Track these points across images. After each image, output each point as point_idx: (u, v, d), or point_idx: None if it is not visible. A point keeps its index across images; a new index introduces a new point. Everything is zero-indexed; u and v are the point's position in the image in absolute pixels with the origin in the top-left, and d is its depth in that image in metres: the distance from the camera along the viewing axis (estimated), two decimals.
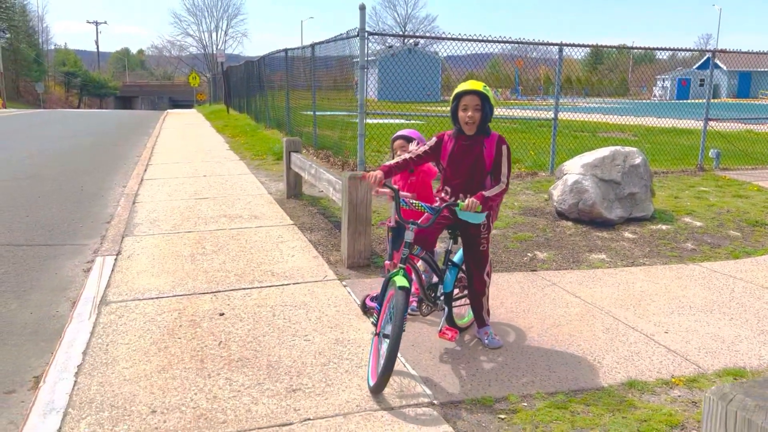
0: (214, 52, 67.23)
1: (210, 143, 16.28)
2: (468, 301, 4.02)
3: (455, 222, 3.70)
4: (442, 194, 3.73)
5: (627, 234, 6.82)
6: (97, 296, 4.74)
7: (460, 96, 3.57)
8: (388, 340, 3.17)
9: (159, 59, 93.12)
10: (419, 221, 3.47)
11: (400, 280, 3.23)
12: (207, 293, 4.79)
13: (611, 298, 4.82)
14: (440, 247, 4.06)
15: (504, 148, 3.62)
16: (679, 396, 3.32)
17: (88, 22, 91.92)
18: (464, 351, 3.83)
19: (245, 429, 2.94)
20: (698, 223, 7.35)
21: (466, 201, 3.38)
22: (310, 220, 7.32)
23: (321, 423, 2.99)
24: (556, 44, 10.15)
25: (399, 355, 3.72)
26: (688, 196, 9.00)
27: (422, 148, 3.75)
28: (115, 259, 5.66)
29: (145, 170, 11.08)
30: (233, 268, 5.42)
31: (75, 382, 3.41)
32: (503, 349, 3.86)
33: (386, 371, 3.12)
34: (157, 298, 4.69)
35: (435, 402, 3.19)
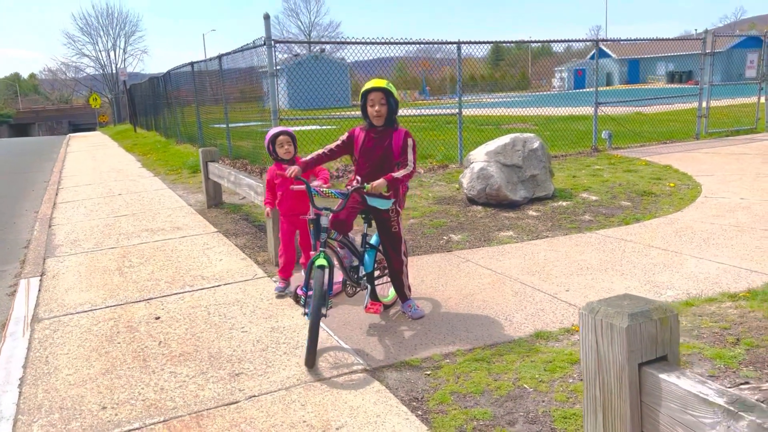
0: (114, 71, 64.96)
1: (121, 163, 15.97)
2: (389, 281, 4.39)
3: (366, 207, 4.05)
4: (354, 183, 4.05)
5: (531, 212, 7.41)
6: (27, 315, 4.78)
7: (366, 93, 3.94)
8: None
9: (54, 82, 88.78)
10: (333, 207, 3.81)
11: (319, 261, 3.59)
12: (140, 301, 4.93)
13: (519, 267, 5.32)
14: (357, 232, 4.41)
15: (410, 140, 3.98)
16: (578, 340, 3.80)
17: None
18: (391, 324, 4.18)
19: (195, 411, 3.17)
20: (594, 197, 8.06)
21: (372, 183, 3.77)
22: (233, 226, 7.49)
23: (266, 398, 3.26)
24: (455, 42, 10.74)
25: (332, 332, 4.04)
26: (585, 174, 9.78)
27: (335, 143, 4.12)
28: (40, 280, 5.67)
29: (57, 194, 10.83)
30: (163, 276, 5.55)
31: (20, 392, 3.52)
32: (426, 318, 4.24)
33: (311, 343, 3.46)
34: (90, 310, 4.79)
35: (367, 368, 3.52)
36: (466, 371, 3.40)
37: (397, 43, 10.12)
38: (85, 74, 75.06)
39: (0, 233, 8.17)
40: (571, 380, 3.26)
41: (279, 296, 4.86)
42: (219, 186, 8.67)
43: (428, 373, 3.43)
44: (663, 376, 1.92)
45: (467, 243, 6.21)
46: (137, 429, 3.04)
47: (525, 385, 3.20)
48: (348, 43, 10.21)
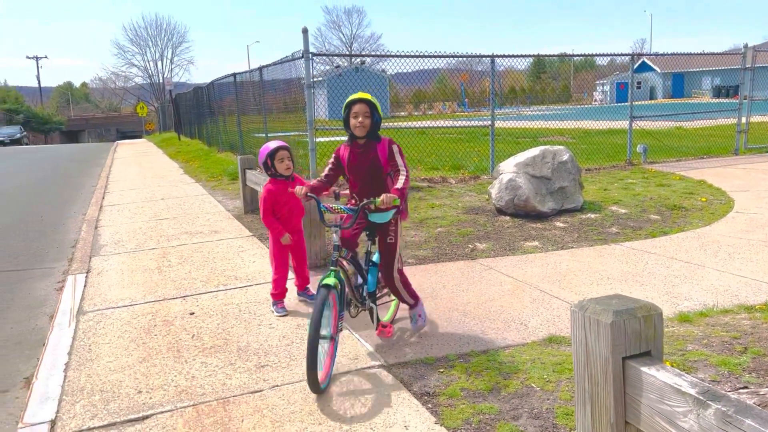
0: (161, 80, 66.94)
1: (164, 169, 16.56)
2: (389, 300, 4.34)
3: (368, 224, 3.96)
4: (352, 201, 4.00)
5: (558, 223, 7.51)
6: (73, 308, 5.12)
7: (350, 105, 3.83)
8: (324, 341, 3.41)
9: (104, 91, 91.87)
10: (342, 223, 3.73)
11: (326, 280, 3.47)
12: (176, 298, 5.23)
13: (540, 276, 5.45)
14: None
15: (395, 146, 3.87)
16: None
17: (28, 57, 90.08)
18: (410, 326, 4.37)
19: (222, 397, 3.41)
20: (623, 210, 8.10)
21: (382, 197, 3.59)
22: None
23: (288, 387, 3.48)
24: (488, 56, 10.91)
25: (353, 330, 4.25)
26: (617, 188, 9.80)
27: (326, 168, 4.01)
28: (86, 277, 6.03)
29: (103, 197, 11.36)
30: (199, 275, 5.86)
31: (65, 376, 3.82)
32: (443, 320, 4.42)
33: (310, 366, 3.22)
34: (130, 305, 5.11)
35: (384, 364, 3.72)
36: (478, 370, 3.57)
37: (430, 56, 10.35)
38: (133, 83, 77.56)
39: (51, 234, 8.64)
40: None
41: (284, 315, 4.70)
42: (256, 192, 9.00)
43: (441, 371, 3.60)
44: (644, 369, 2.07)
45: (492, 252, 6.35)
46: (169, 411, 3.29)
47: (533, 384, 3.35)
48: (382, 56, 10.50)
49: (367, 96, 3.83)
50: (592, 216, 7.84)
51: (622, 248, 6.34)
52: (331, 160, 4.00)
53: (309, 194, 3.79)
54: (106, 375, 3.79)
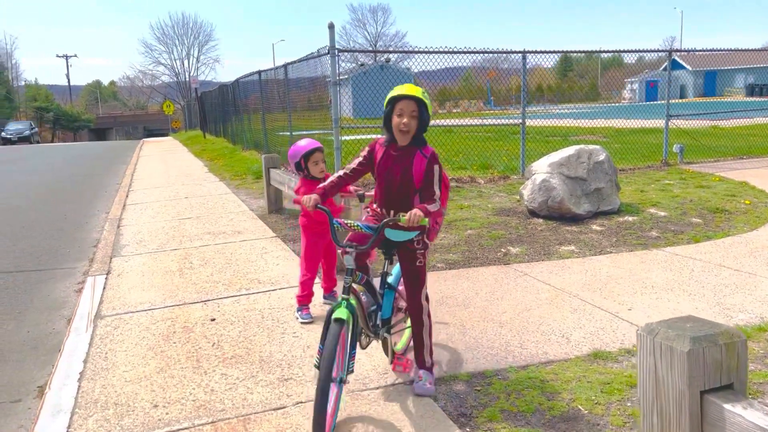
0: (187, 79, 67.41)
1: (189, 167, 16.48)
2: (403, 327, 3.72)
3: (385, 240, 3.33)
4: (374, 207, 3.42)
5: (595, 227, 7.17)
6: (91, 312, 4.94)
7: (395, 100, 3.17)
8: (332, 383, 2.85)
9: (131, 89, 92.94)
10: (358, 243, 3.17)
11: (338, 313, 2.89)
12: (197, 302, 5.02)
13: (579, 283, 5.14)
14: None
15: (436, 167, 3.22)
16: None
17: (58, 56, 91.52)
18: (442, 338, 4.10)
19: (243, 414, 3.18)
20: (662, 213, 7.73)
21: (408, 214, 2.97)
22: (292, 232, 7.58)
23: (312, 404, 3.23)
24: (520, 52, 10.57)
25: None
26: (654, 189, 9.40)
27: (356, 161, 3.36)
28: (106, 278, 5.87)
29: (127, 196, 11.26)
30: (221, 278, 5.65)
31: (79, 386, 3.63)
32: (478, 330, 4.14)
33: (317, 412, 2.76)
34: (149, 309, 4.91)
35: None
36: (518, 389, 3.29)
37: (459, 53, 10.05)
38: (160, 82, 78.29)
39: (73, 232, 8.54)
40: (629, 404, 3.09)
41: (309, 322, 4.41)
42: (280, 192, 8.80)
43: (478, 389, 3.33)
44: (728, 406, 1.78)
45: (526, 256, 6.05)
46: (186, 429, 3.07)
47: (579, 407, 3.06)
48: (408, 52, 10.24)
49: (417, 91, 3.16)
50: (630, 219, 7.48)
51: (665, 254, 5.99)
52: (364, 153, 3.36)
53: (319, 206, 3.14)
54: (122, 386, 3.59)
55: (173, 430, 3.06)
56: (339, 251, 3.32)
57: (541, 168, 7.84)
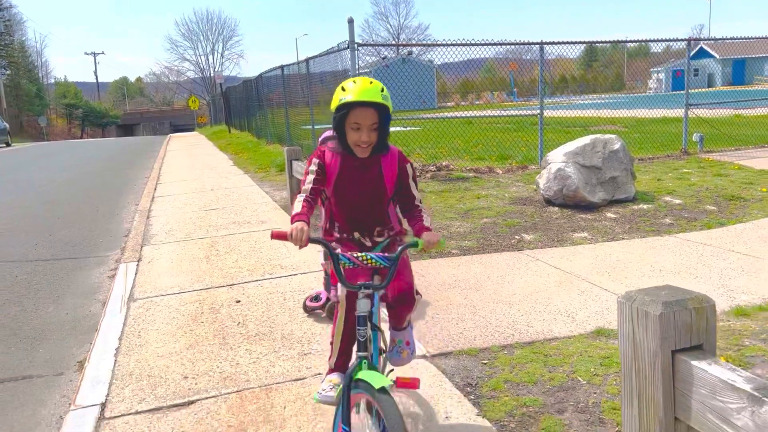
0: (212, 74, 68.28)
1: (214, 161, 16.88)
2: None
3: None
4: (335, 233, 2.82)
5: (609, 214, 7.31)
6: (125, 295, 5.26)
7: (348, 108, 2.52)
8: None
9: (158, 85, 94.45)
10: (364, 280, 2.54)
11: (376, 379, 2.25)
12: (223, 286, 5.31)
13: (588, 267, 5.31)
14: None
15: (409, 167, 2.77)
16: None
17: (86, 53, 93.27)
18: (452, 316, 4.32)
19: (265, 384, 3.45)
20: (677, 201, 7.83)
21: (425, 237, 2.56)
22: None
23: None
24: (537, 43, 10.68)
25: None
26: (671, 177, 9.48)
27: (310, 178, 2.69)
28: (137, 265, 6.19)
29: (155, 189, 11.65)
30: (245, 264, 5.94)
31: (115, 361, 3.93)
32: (488, 311, 4.35)
33: None
34: (179, 293, 5.22)
35: (426, 355, 3.69)
36: (522, 362, 3.50)
37: (475, 44, 10.20)
38: (185, 77, 79.40)
39: (105, 223, 8.91)
40: None
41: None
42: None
43: (485, 362, 3.55)
44: (695, 363, 1.98)
45: (539, 243, 6.23)
46: (213, 397, 3.35)
47: (579, 378, 3.27)
48: (426, 45, 10.46)
49: (377, 96, 2.49)
50: (645, 207, 7.60)
51: (676, 240, 6.13)
52: (313, 167, 2.70)
53: (313, 237, 2.46)
54: (154, 361, 3.88)
55: (202, 398, 3.34)
56: (338, 294, 2.68)
57: (557, 157, 7.98)
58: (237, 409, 3.20)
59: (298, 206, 2.59)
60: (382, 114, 2.55)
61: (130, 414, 3.23)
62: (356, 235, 2.78)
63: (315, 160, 2.72)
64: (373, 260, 2.49)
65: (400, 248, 2.51)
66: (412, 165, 2.81)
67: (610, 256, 5.64)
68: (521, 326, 4.07)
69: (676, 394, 2.05)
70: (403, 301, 2.78)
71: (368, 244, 2.77)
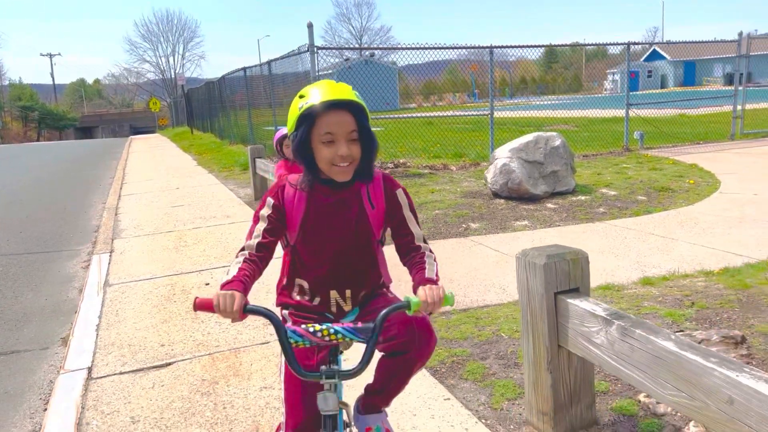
0: (173, 76, 67.77)
1: (178, 161, 17.16)
2: None
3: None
4: (296, 295, 2.13)
5: (549, 205, 7.98)
6: (100, 282, 5.68)
7: (314, 114, 1.89)
8: None
9: (117, 87, 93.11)
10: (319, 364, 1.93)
11: None
12: (193, 272, 5.77)
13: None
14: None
15: (400, 194, 2.13)
16: None
17: (42, 54, 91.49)
18: (399, 292, 4.86)
19: (234, 347, 3.95)
20: (613, 192, 8.55)
21: (422, 295, 1.88)
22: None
23: None
24: (487, 47, 11.35)
25: None
26: (610, 172, 10.23)
27: (259, 228, 2.02)
28: (110, 256, 6.60)
29: (121, 188, 11.95)
30: (213, 253, 6.40)
31: (97, 334, 4.37)
32: None
33: None
34: (151, 278, 5.66)
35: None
36: (457, 324, 4.07)
37: (426, 48, 10.81)
38: (145, 79, 78.49)
39: (74, 220, 9.24)
40: None
41: None
42: (265, 180, 9.52)
43: None
44: (571, 300, 2.57)
45: (483, 230, 6.84)
46: (188, 359, 3.83)
47: (503, 334, 3.85)
48: (383, 48, 10.97)
49: (350, 92, 1.91)
50: (583, 198, 8.29)
51: (605, 225, 6.80)
52: (266, 210, 2.04)
53: (249, 307, 1.85)
54: (133, 333, 4.34)
55: (179, 360, 3.82)
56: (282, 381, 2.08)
57: (503, 153, 8.63)
58: (210, 367, 3.69)
59: (234, 269, 1.95)
60: (359, 121, 1.92)
61: (115, 374, 3.70)
62: (333, 295, 2.10)
63: (270, 201, 2.04)
64: (340, 335, 1.84)
65: (381, 314, 1.83)
66: (404, 190, 2.15)
67: (545, 240, 6.27)
68: (460, 297, 4.64)
69: (558, 327, 2.64)
70: (421, 341, 2.11)
71: (347, 308, 2.13)
